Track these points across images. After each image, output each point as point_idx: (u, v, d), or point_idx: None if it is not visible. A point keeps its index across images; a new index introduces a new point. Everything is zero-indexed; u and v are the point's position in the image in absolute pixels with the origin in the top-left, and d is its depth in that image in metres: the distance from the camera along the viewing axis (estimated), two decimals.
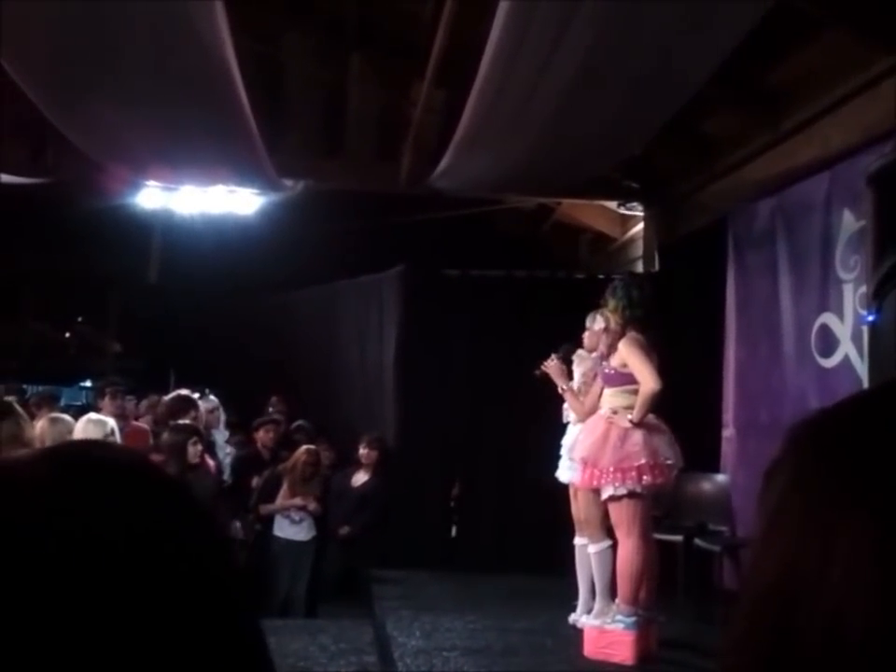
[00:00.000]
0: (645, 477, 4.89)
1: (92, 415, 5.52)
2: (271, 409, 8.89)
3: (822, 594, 0.47)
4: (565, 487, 5.70)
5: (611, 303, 5.20)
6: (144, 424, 7.13)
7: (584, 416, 5.39)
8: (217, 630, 0.51)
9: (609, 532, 5.26)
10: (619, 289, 5.20)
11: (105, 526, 0.49)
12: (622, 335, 5.14)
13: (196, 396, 6.88)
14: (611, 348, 5.27)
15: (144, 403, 8.33)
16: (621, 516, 4.99)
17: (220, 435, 7.28)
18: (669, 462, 4.98)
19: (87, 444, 0.62)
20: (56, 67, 5.29)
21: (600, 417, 5.12)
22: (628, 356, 5.01)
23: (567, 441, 5.73)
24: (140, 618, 0.47)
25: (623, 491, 4.93)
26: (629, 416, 4.95)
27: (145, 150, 6.72)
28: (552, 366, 5.61)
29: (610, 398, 5.13)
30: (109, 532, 0.49)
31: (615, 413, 5.03)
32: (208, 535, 0.55)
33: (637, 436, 4.92)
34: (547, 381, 5.68)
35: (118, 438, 5.33)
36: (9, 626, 0.45)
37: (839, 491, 0.49)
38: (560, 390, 5.63)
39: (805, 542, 0.49)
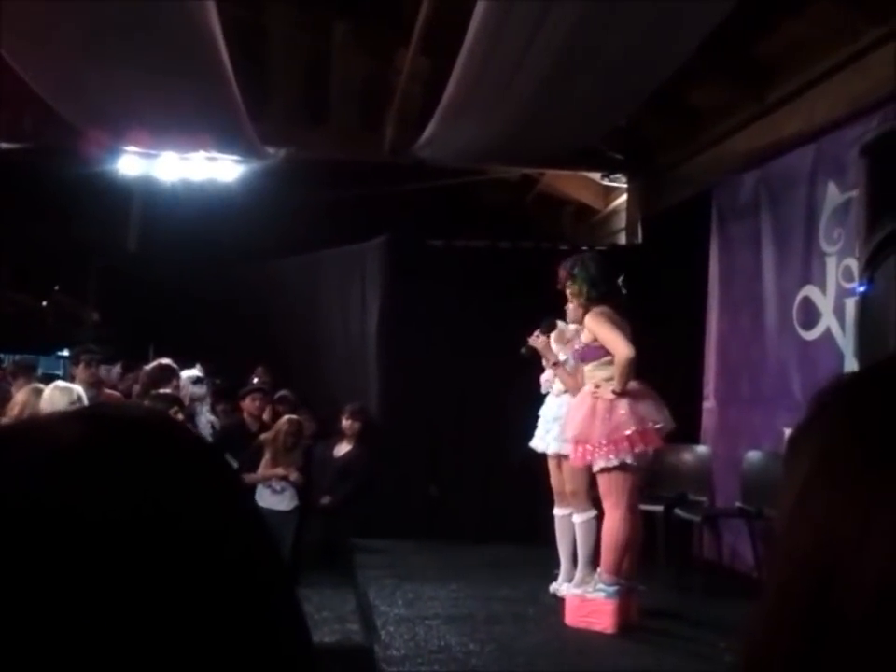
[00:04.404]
0: (637, 446, 4.91)
1: (59, 383, 5.51)
2: (256, 379, 8.85)
3: (863, 565, 0.45)
4: (544, 458, 5.72)
5: (572, 285, 5.22)
6: (116, 392, 7.11)
7: (576, 389, 5.37)
8: (254, 593, 0.50)
9: (594, 502, 5.30)
10: (579, 269, 5.21)
11: (144, 486, 0.48)
12: (586, 310, 5.15)
13: (195, 371, 6.84)
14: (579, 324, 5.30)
15: (130, 377, 8.28)
16: (610, 487, 5.01)
17: (205, 407, 7.23)
18: (658, 426, 5.00)
19: (117, 405, 0.61)
20: (36, 31, 5.20)
21: (585, 393, 5.13)
22: (596, 328, 5.02)
23: (544, 412, 5.74)
24: (175, 580, 0.47)
25: (614, 462, 4.95)
26: (612, 388, 4.97)
27: (125, 115, 6.63)
28: (540, 341, 5.58)
29: (590, 372, 5.15)
30: (148, 491, 0.48)
31: (598, 386, 5.05)
32: (240, 495, 0.54)
33: (624, 405, 4.95)
34: (535, 356, 5.66)
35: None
36: (48, 586, 0.44)
37: (878, 458, 0.47)
38: (551, 365, 5.59)
39: (843, 513, 0.47)
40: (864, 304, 3.09)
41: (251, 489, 7.11)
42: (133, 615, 0.45)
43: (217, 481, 0.53)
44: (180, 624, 0.46)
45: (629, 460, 4.94)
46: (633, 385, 5.00)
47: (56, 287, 13.96)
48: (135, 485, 0.48)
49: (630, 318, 5.15)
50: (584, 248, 7.29)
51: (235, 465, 7.26)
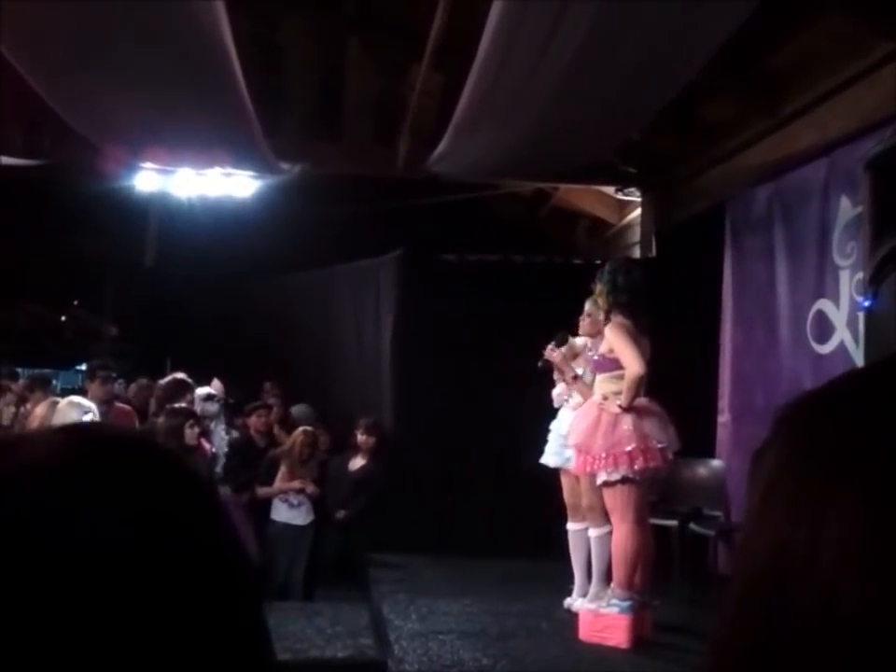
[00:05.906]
0: (637, 462, 4.89)
1: (73, 398, 5.54)
2: (265, 393, 8.88)
3: (814, 571, 0.46)
4: (557, 472, 5.71)
5: (598, 287, 5.22)
6: (127, 406, 7.15)
7: None
8: (222, 614, 0.51)
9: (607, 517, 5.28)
10: (605, 274, 5.21)
11: (124, 504, 0.49)
12: (606, 320, 5.15)
13: (207, 389, 6.87)
14: (598, 334, 5.29)
15: (133, 387, 8.31)
16: (615, 501, 5.00)
17: (220, 426, 7.24)
18: (661, 445, 4.97)
19: (98, 425, 0.62)
20: (53, 47, 5.26)
21: (592, 404, 5.13)
22: (613, 340, 5.02)
23: (555, 426, 5.73)
24: (151, 596, 0.48)
25: (616, 476, 4.94)
26: (618, 402, 4.95)
27: (142, 132, 6.69)
28: (556, 355, 5.56)
29: (601, 384, 5.14)
30: (128, 510, 0.49)
31: (605, 398, 5.05)
32: (217, 516, 0.55)
33: (628, 421, 4.93)
34: (550, 370, 5.65)
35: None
36: (32, 597, 0.45)
37: (830, 468, 0.48)
38: (570, 379, 5.54)
39: (797, 522, 0.48)
40: (870, 319, 3.07)
41: (265, 503, 7.13)
42: (101, 631, 0.46)
43: (197, 501, 0.54)
44: (150, 638, 0.47)
45: (630, 475, 4.93)
46: (641, 401, 4.99)
47: (74, 302, 14.06)
48: (113, 502, 0.49)
49: (651, 336, 5.14)
50: (598, 262, 7.29)
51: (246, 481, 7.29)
